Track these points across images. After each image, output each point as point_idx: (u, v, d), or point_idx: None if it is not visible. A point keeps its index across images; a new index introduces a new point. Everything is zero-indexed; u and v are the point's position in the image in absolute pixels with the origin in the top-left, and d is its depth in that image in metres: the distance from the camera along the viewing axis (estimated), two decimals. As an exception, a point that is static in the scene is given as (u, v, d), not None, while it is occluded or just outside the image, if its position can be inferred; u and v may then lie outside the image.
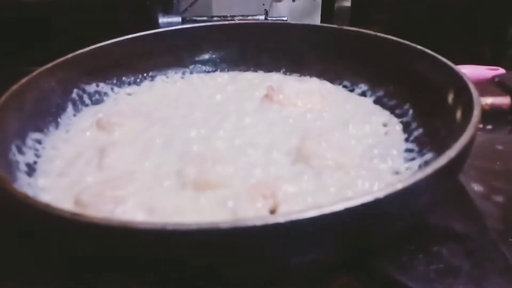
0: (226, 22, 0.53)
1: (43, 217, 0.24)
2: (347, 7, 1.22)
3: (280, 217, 0.21)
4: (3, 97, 0.36)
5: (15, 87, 0.38)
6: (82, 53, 0.46)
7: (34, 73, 0.41)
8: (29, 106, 0.39)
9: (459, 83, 0.35)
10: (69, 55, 0.45)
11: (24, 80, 0.39)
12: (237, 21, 0.53)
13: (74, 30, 0.65)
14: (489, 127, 0.44)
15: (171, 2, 0.65)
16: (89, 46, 0.49)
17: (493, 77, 0.55)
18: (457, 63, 0.39)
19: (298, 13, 1.40)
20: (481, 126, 0.30)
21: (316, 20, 1.40)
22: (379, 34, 0.46)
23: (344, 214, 0.21)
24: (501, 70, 0.57)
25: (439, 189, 0.27)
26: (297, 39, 0.52)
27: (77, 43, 0.65)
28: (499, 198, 0.38)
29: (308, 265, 0.27)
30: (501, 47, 1.30)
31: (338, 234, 0.23)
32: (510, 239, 0.34)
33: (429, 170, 0.24)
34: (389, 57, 0.45)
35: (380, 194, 0.22)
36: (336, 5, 1.23)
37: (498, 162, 0.44)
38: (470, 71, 0.61)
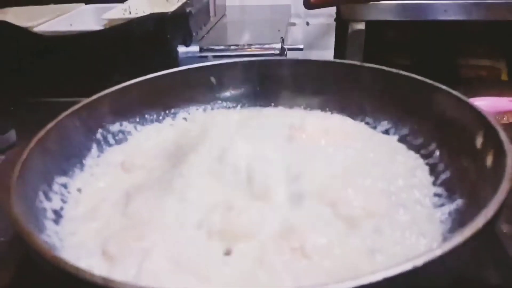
0: (246, 59, 0.53)
1: (73, 281, 0.23)
2: (361, 30, 1.22)
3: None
4: (31, 145, 0.36)
5: (42, 133, 0.38)
6: (107, 93, 0.46)
7: (60, 117, 0.41)
8: (55, 150, 0.40)
9: (488, 127, 0.35)
10: (94, 97, 0.45)
11: (50, 125, 0.39)
12: (257, 58, 0.53)
13: (95, 65, 0.67)
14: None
15: (191, 35, 0.66)
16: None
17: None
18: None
19: (313, 37, 1.41)
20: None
21: (331, 43, 1.41)
22: (401, 72, 0.46)
23: (381, 285, 0.21)
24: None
25: (477, 246, 0.26)
26: (317, 75, 0.52)
27: (98, 77, 0.67)
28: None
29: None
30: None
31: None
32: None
33: (467, 232, 0.24)
34: (411, 95, 0.45)
35: (419, 261, 0.22)
36: (350, 28, 1.23)
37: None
38: (491, 103, 0.60)
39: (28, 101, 0.69)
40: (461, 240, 0.23)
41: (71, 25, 0.75)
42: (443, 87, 0.42)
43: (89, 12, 0.81)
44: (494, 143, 0.33)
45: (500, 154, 0.31)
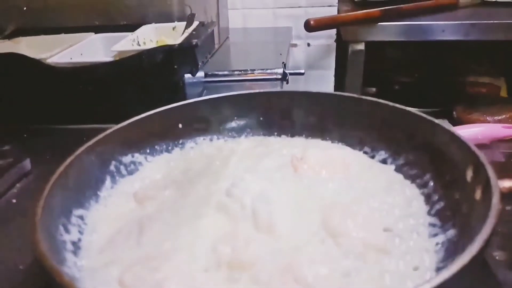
0: (250, 92, 0.56)
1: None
2: (361, 50, 1.26)
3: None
4: (52, 180, 0.39)
5: (61, 168, 0.41)
6: (120, 128, 0.49)
7: (77, 152, 0.44)
8: (73, 184, 0.42)
9: (478, 163, 0.37)
10: (109, 131, 0.48)
11: (68, 161, 0.42)
12: (260, 90, 0.56)
13: (105, 94, 0.70)
14: (508, 208, 0.45)
15: (197, 65, 0.69)
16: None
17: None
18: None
19: (314, 57, 1.45)
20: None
21: (331, 63, 1.45)
22: (396, 105, 0.49)
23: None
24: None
25: (466, 277, 0.28)
26: (317, 107, 0.55)
27: (108, 106, 0.70)
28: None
29: None
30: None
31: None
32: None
33: (454, 268, 0.26)
34: (407, 127, 0.48)
35: (410, 297, 0.24)
36: (350, 49, 1.26)
37: (521, 227, 0.44)
38: (485, 130, 0.63)
39: (41, 128, 0.72)
40: (449, 275, 0.26)
41: (81, 54, 0.78)
42: (436, 121, 0.44)
43: (99, 42, 0.84)
44: (482, 178, 0.36)
45: (487, 189, 0.34)
